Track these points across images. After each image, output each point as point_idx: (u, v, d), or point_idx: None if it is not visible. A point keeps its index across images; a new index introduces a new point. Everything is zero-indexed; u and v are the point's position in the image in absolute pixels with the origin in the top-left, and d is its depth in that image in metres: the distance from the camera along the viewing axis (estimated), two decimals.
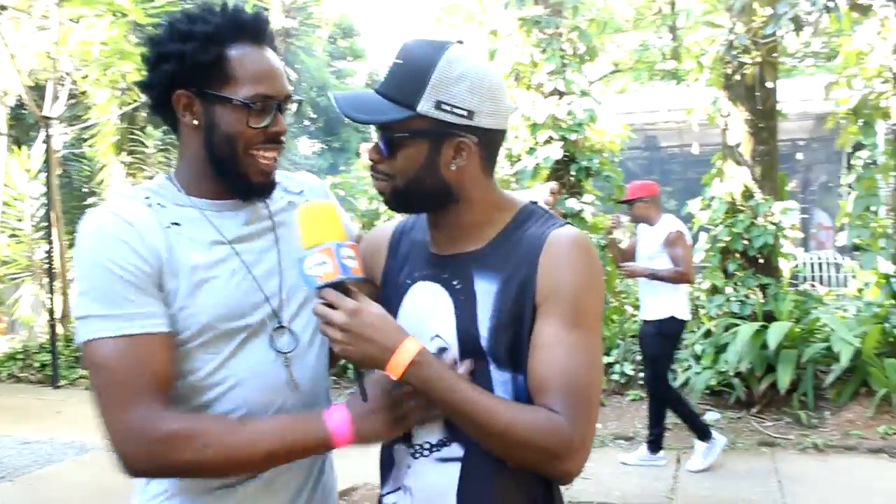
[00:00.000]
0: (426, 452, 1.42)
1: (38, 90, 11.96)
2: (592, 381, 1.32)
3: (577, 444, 1.29)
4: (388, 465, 1.51)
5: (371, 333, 1.27)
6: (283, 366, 1.47)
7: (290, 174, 1.70)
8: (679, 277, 5.56)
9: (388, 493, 1.51)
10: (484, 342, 1.36)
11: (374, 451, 1.53)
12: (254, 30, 1.45)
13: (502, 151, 9.68)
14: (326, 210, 1.35)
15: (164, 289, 1.37)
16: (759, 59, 7.15)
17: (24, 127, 16.79)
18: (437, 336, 1.40)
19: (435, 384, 1.28)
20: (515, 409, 1.30)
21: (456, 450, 1.40)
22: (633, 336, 8.34)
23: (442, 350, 1.39)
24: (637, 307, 9.70)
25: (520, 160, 8.41)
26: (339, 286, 1.30)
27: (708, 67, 7.38)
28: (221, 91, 1.41)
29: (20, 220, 11.21)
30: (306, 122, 21.23)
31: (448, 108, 1.32)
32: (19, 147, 13.65)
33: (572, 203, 8.24)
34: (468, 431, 1.32)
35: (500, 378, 1.36)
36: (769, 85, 7.24)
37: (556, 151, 8.06)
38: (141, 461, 1.31)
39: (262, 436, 1.33)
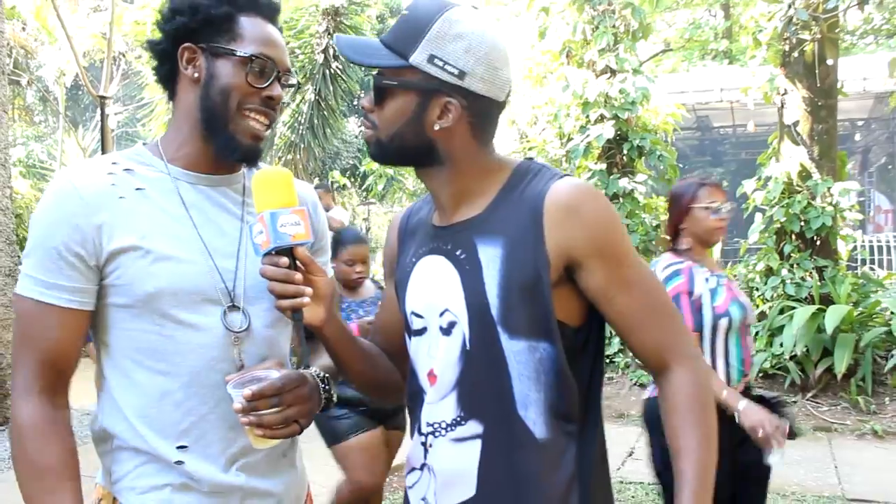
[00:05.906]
0: (443, 432, 1.36)
1: (93, 71, 12.18)
2: (666, 297, 1.41)
3: (694, 354, 1.37)
4: (413, 447, 1.47)
5: None
6: (232, 345, 1.46)
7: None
8: None
9: (410, 472, 1.47)
10: (494, 311, 1.30)
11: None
12: (265, 5, 1.50)
13: (553, 130, 9.58)
14: (289, 177, 1.40)
15: (101, 260, 1.41)
16: (818, 36, 6.93)
17: (80, 107, 17.16)
18: (447, 311, 1.34)
19: None
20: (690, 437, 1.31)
21: (474, 427, 1.33)
22: None
23: (452, 325, 1.34)
24: None
25: (571, 139, 8.32)
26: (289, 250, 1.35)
27: (766, 44, 7.18)
28: (227, 45, 1.45)
29: None
30: (354, 102, 21.31)
31: (440, 63, 1.29)
32: (75, 127, 13.97)
33: (624, 182, 8.13)
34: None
35: (513, 348, 1.30)
36: (829, 62, 7.02)
37: (608, 130, 7.98)
38: (10, 406, 1.43)
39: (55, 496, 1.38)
